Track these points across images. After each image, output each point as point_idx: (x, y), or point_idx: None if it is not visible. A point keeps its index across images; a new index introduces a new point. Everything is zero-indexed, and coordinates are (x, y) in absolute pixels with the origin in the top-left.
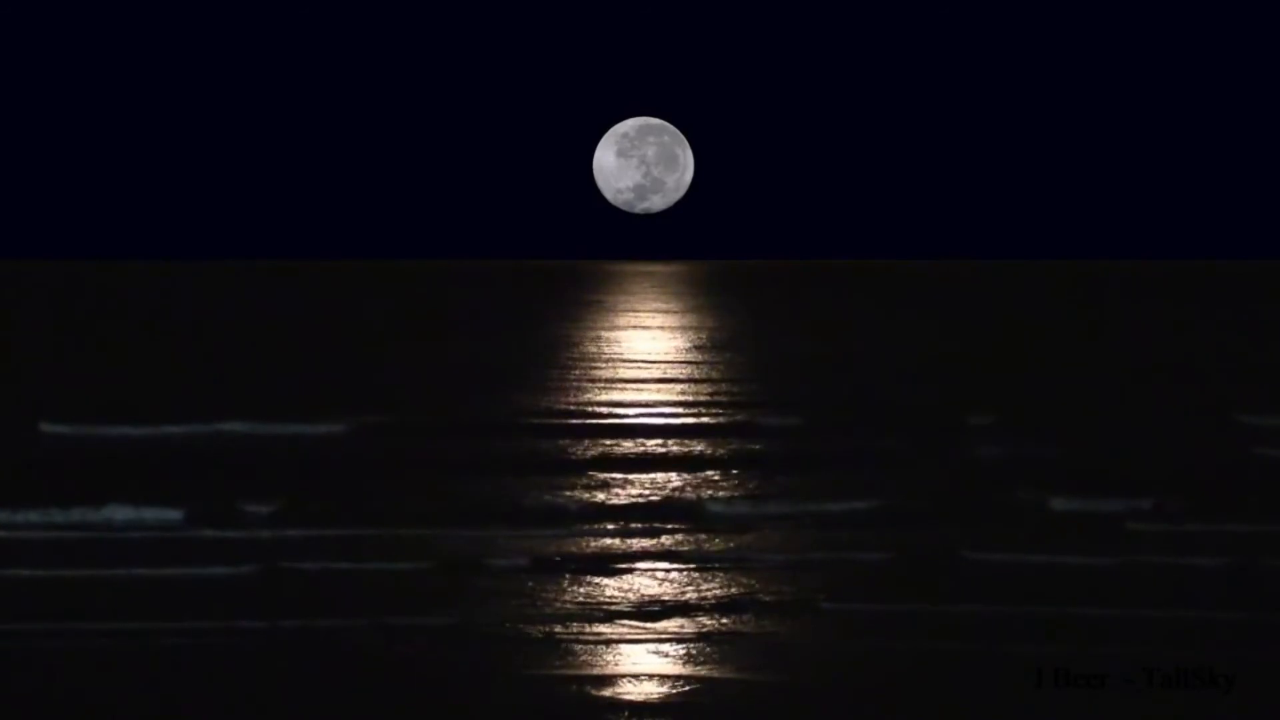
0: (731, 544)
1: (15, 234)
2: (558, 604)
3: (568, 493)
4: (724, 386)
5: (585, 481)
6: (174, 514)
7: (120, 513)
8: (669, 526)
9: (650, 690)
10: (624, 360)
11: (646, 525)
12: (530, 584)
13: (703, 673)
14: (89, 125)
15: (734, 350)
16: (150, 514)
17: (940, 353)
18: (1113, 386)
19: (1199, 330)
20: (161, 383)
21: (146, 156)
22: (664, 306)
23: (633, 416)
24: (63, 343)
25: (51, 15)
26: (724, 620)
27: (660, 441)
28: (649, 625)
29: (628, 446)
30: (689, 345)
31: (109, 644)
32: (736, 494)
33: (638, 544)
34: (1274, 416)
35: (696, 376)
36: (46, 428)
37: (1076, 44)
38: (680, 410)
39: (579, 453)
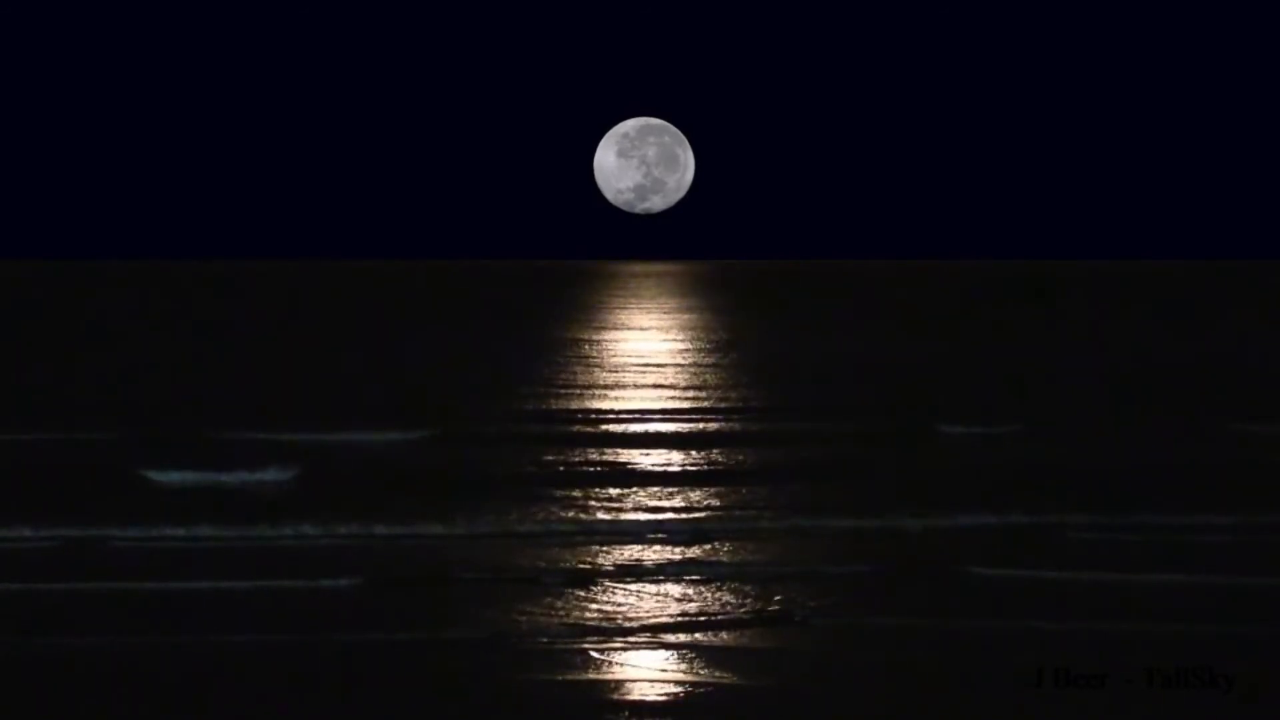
0: (729, 555)
1: (15, 234)
2: (555, 615)
3: (565, 505)
4: (724, 392)
5: (583, 492)
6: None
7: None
8: (664, 537)
9: (649, 693)
10: (623, 362)
11: (645, 533)
12: (527, 594)
13: (700, 677)
14: (90, 126)
15: (733, 352)
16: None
17: (939, 356)
18: (1114, 391)
19: (1199, 331)
20: (149, 385)
21: (147, 157)
22: (664, 306)
23: (631, 422)
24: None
25: (51, 16)
26: (720, 629)
27: (660, 451)
28: (646, 635)
29: (626, 455)
30: (688, 347)
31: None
32: (733, 504)
33: (637, 553)
34: (1273, 423)
35: (696, 382)
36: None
37: (1076, 45)
38: (681, 417)
39: (575, 461)
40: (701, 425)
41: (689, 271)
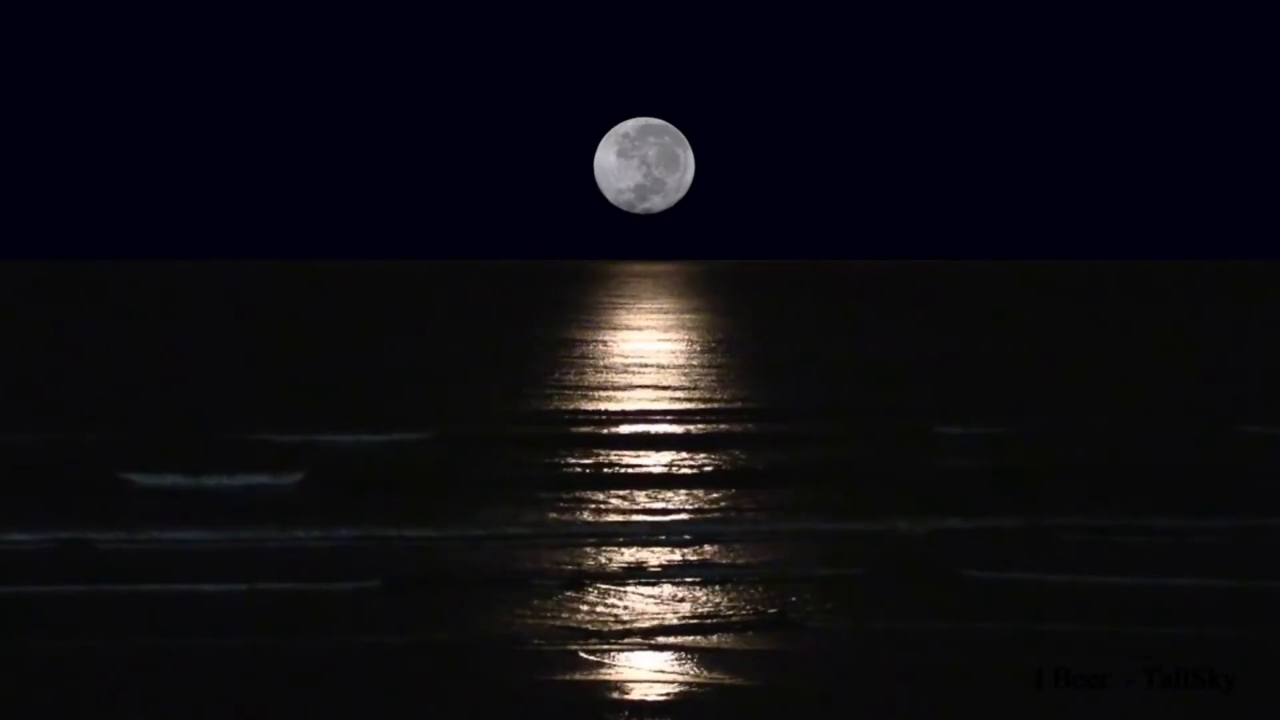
0: (728, 557)
1: (15, 234)
2: (553, 617)
3: (563, 506)
4: (723, 393)
5: (582, 494)
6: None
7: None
8: (663, 539)
9: (648, 694)
10: (622, 362)
11: (643, 535)
12: (525, 596)
13: (698, 679)
14: (91, 125)
15: (733, 352)
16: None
17: (938, 356)
18: (1114, 391)
19: (1199, 331)
20: (148, 386)
21: (146, 157)
22: (664, 306)
23: (630, 424)
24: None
25: (51, 16)
26: (718, 631)
27: (658, 452)
28: (644, 637)
29: (624, 457)
30: (688, 347)
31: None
32: (732, 506)
33: (635, 555)
34: (1274, 424)
35: (696, 382)
36: None
37: (1076, 45)
38: (680, 418)
39: (574, 462)
40: (700, 426)
41: (689, 271)
